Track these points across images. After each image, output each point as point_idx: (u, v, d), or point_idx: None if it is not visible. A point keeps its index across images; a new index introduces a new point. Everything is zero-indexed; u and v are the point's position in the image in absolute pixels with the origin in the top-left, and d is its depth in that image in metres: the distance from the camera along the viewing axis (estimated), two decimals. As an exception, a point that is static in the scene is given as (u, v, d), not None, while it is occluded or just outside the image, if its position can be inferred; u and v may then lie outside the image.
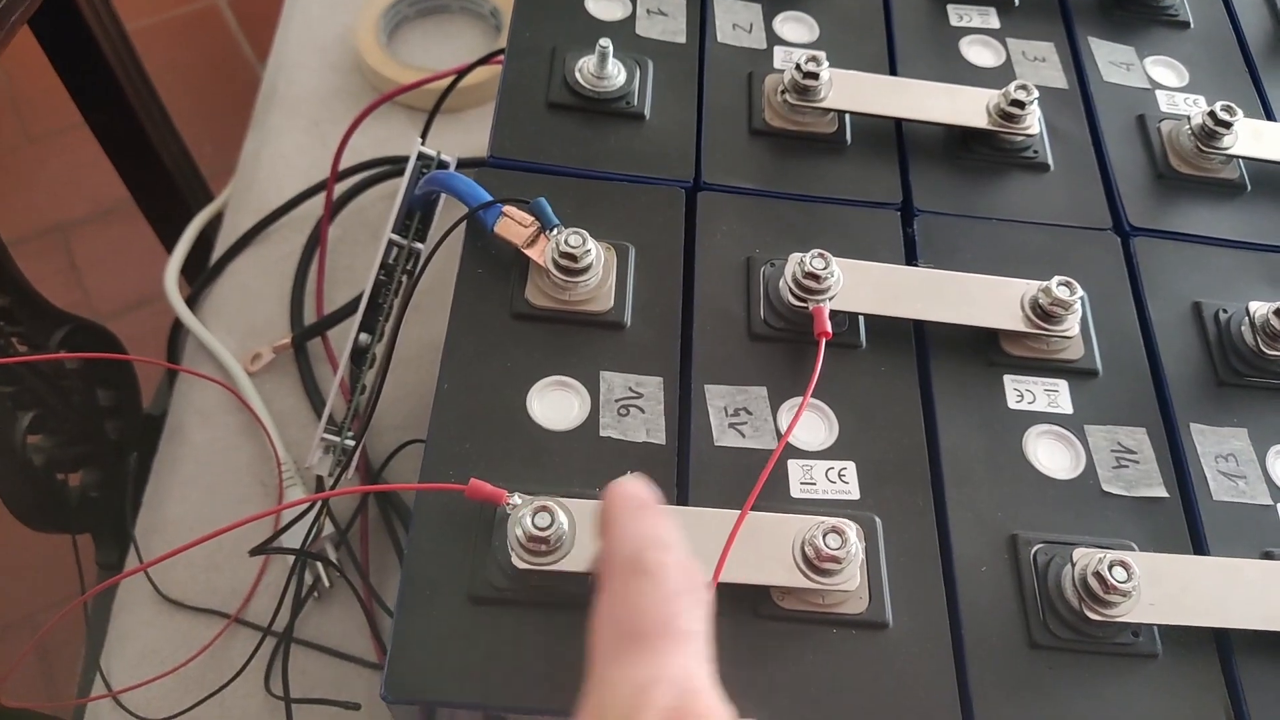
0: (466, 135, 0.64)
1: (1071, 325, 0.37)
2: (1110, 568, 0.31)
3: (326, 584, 0.49)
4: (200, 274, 0.61)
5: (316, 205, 0.61)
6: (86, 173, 0.91)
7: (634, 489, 0.27)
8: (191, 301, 0.59)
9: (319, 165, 0.62)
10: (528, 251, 0.35)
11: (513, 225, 0.35)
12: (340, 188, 0.61)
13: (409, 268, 0.43)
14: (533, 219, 0.36)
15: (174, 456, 0.54)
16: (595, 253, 0.35)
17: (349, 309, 0.56)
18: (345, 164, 0.60)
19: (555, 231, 0.35)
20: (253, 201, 0.62)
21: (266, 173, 0.63)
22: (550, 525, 0.29)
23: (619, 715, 0.22)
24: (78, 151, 0.76)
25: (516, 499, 0.30)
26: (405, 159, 0.61)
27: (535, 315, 0.35)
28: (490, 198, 0.36)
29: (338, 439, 0.44)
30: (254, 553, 0.42)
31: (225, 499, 0.53)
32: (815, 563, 0.30)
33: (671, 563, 0.25)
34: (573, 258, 0.34)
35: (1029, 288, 0.37)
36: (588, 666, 0.24)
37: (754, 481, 0.32)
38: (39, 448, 0.62)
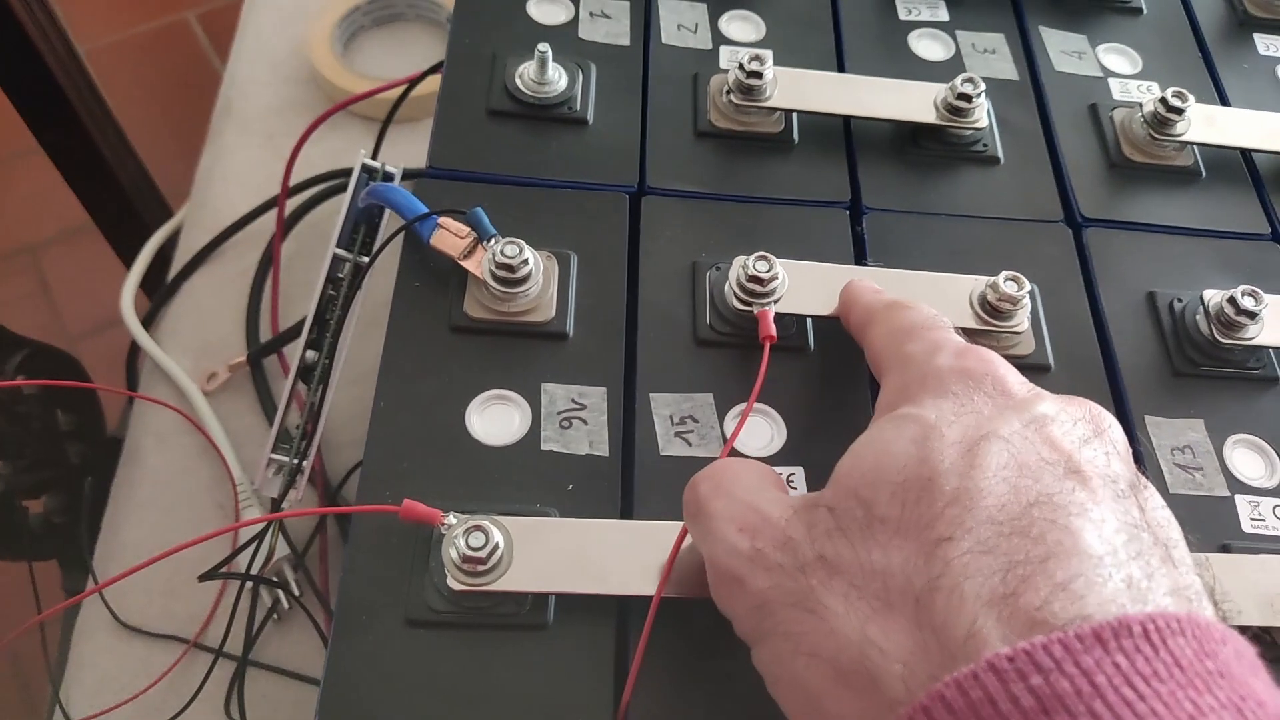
0: (422, 145, 0.63)
1: (1021, 320, 0.36)
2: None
3: (285, 606, 0.49)
4: (157, 290, 0.60)
5: (271, 220, 0.60)
6: (54, 193, 0.90)
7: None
8: (147, 321, 0.58)
9: (274, 180, 0.61)
10: (464, 263, 0.35)
11: (449, 237, 0.35)
12: (294, 202, 0.60)
13: (356, 282, 0.42)
14: (469, 230, 0.35)
15: (131, 480, 0.53)
16: (534, 262, 0.34)
17: (298, 329, 0.55)
18: (300, 177, 0.59)
19: (492, 242, 0.34)
20: (207, 219, 0.61)
21: (221, 189, 0.62)
22: (485, 545, 0.28)
23: (921, 358, 0.27)
24: (46, 172, 0.75)
25: (452, 519, 0.29)
26: (343, 173, 0.61)
27: (474, 328, 0.35)
28: (425, 209, 0.35)
29: (287, 459, 0.43)
30: (203, 578, 0.41)
31: (182, 522, 0.52)
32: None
33: (921, 305, 0.30)
34: (510, 268, 0.34)
35: (977, 284, 0.36)
36: (881, 369, 0.29)
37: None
38: (-3, 474, 0.61)
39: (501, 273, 0.34)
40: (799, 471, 0.33)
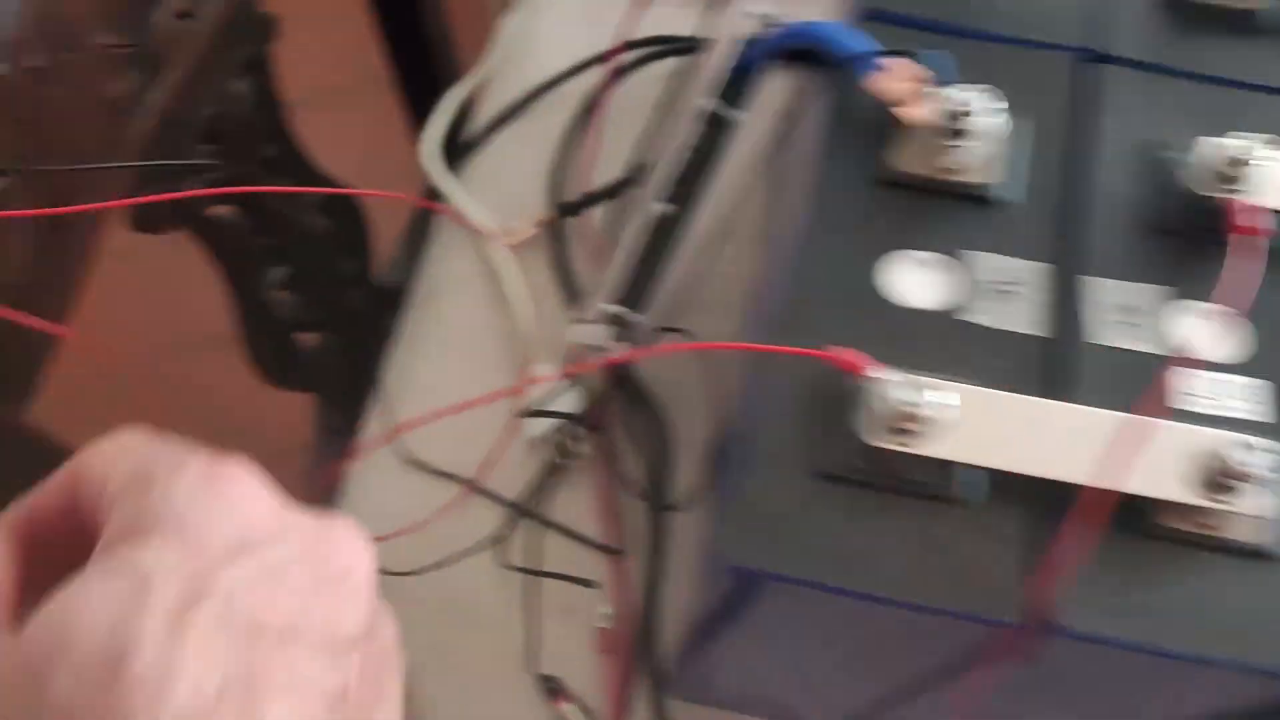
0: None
1: None
2: None
3: (570, 462, 0.48)
4: (448, 148, 0.60)
5: (577, 84, 0.58)
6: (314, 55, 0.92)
7: None
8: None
9: (585, 43, 0.59)
10: (907, 109, 0.31)
11: (892, 80, 0.31)
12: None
13: (719, 137, 0.40)
14: (913, 74, 0.31)
15: (426, 321, 0.53)
16: (989, 117, 0.30)
17: (612, 189, 0.53)
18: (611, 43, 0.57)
19: (948, 88, 0.31)
20: (514, 75, 0.60)
21: (531, 48, 0.61)
22: (922, 405, 0.25)
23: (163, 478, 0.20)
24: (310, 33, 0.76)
25: (880, 373, 0.26)
26: (680, 39, 0.58)
27: (904, 182, 0.31)
28: (870, 46, 0.32)
29: (618, 308, 0.41)
30: (523, 415, 0.40)
31: (474, 370, 0.51)
32: (1218, 479, 0.26)
33: None
34: (966, 115, 0.30)
35: None
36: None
37: (1141, 388, 0.27)
38: (283, 302, 0.63)
39: (956, 123, 0.30)
40: (1266, 386, 0.29)
